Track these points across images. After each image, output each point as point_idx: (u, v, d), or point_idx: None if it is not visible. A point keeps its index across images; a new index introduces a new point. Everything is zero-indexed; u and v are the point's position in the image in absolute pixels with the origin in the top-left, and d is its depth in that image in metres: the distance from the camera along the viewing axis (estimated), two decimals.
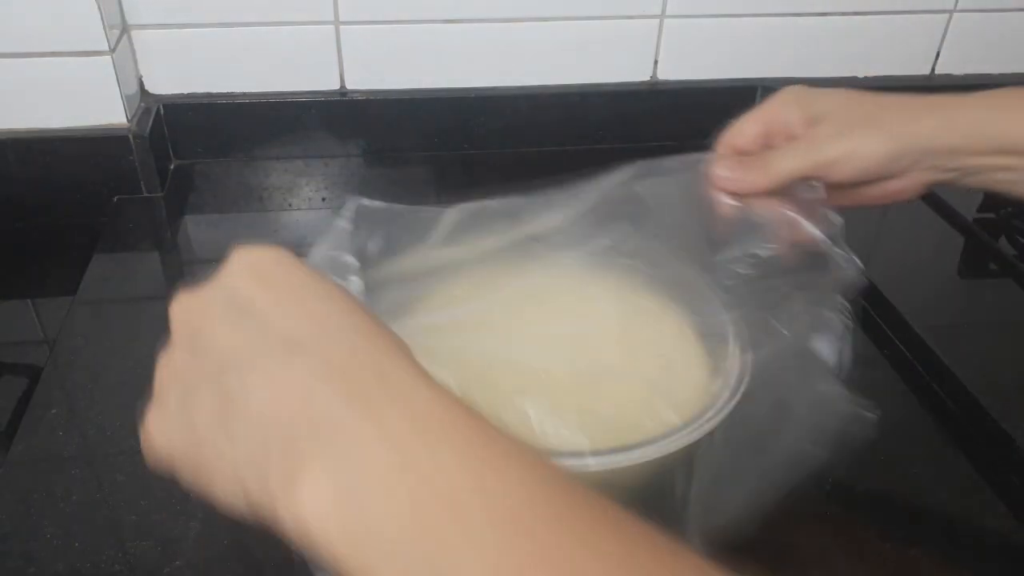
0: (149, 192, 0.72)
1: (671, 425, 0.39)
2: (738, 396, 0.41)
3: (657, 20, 0.79)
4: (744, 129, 0.46)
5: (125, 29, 0.71)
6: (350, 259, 0.41)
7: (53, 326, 0.58)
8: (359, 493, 0.21)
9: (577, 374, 0.43)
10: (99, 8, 0.64)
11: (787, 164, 0.43)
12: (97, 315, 0.59)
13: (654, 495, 0.46)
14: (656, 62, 0.81)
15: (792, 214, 0.43)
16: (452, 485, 0.21)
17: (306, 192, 0.75)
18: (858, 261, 0.43)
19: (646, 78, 0.82)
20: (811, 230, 0.43)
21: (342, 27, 0.74)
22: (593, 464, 0.36)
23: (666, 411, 0.41)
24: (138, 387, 0.53)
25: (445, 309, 0.48)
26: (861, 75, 0.86)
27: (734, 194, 0.44)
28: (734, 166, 0.44)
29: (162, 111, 0.74)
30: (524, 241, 0.48)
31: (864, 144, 0.42)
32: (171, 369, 0.27)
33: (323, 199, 0.74)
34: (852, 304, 0.44)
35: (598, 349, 0.45)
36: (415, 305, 0.47)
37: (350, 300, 0.26)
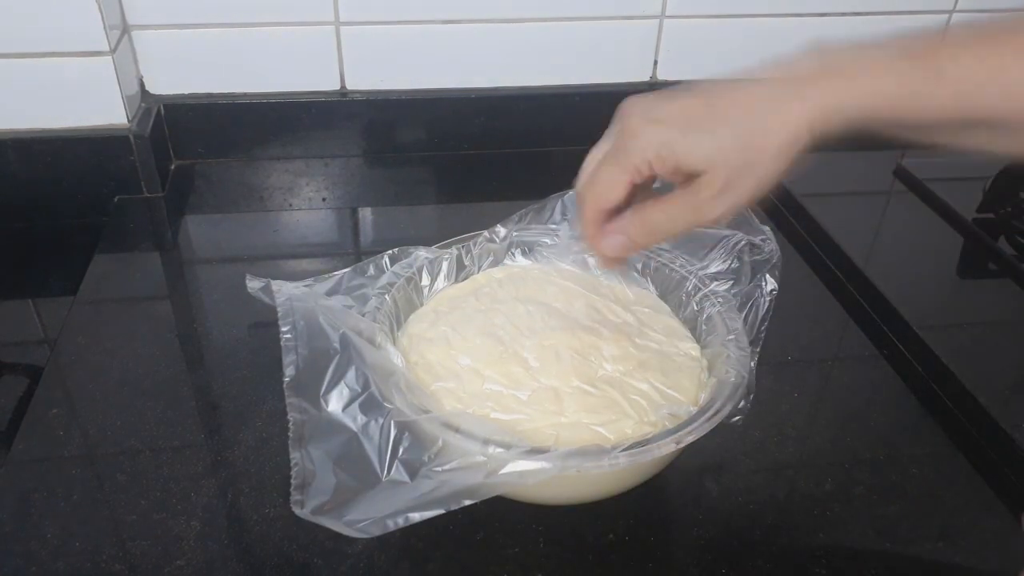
0: (150, 192, 0.73)
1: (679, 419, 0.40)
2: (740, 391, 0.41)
3: (657, 20, 0.79)
4: (613, 190, 0.39)
5: (126, 30, 0.71)
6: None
7: (54, 326, 0.58)
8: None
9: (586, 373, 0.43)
10: (100, 9, 0.64)
11: (670, 227, 0.39)
12: (98, 315, 0.59)
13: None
14: (656, 62, 0.82)
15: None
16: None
17: (307, 192, 0.75)
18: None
19: (646, 78, 0.82)
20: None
21: (342, 28, 0.74)
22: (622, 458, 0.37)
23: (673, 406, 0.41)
24: (138, 387, 0.53)
25: (456, 308, 0.49)
26: None
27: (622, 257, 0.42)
28: (616, 233, 0.40)
29: (163, 111, 0.74)
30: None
31: (753, 189, 0.37)
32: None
33: (323, 199, 0.74)
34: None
35: (599, 351, 0.45)
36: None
37: None
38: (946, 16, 0.83)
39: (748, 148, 0.36)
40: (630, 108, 0.39)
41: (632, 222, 0.40)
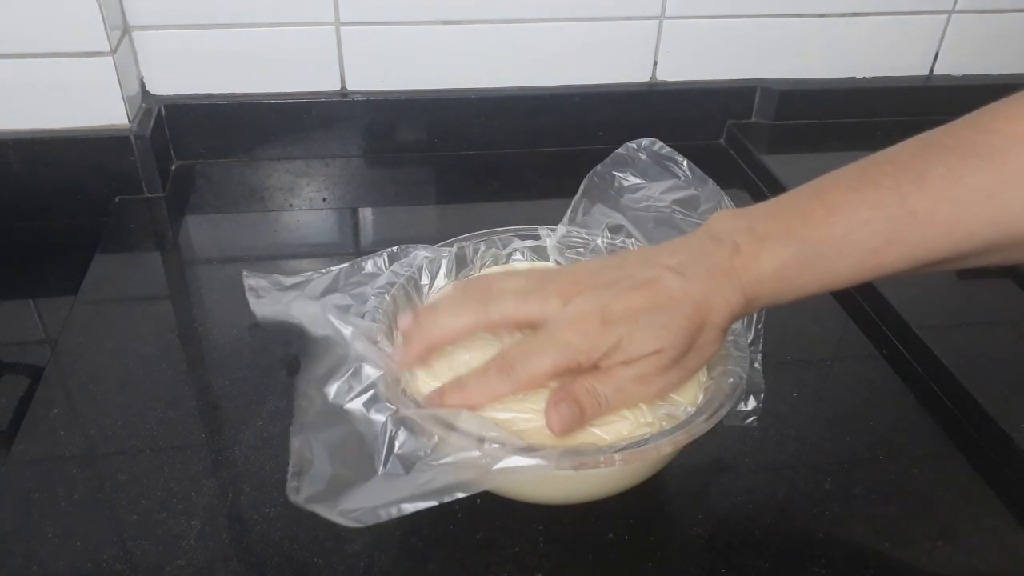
0: (150, 192, 0.73)
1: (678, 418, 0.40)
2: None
3: (657, 21, 0.79)
4: (542, 376, 0.39)
5: (126, 30, 0.71)
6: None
7: (55, 326, 0.58)
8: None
9: None
10: (100, 9, 0.64)
11: (620, 400, 0.40)
12: (98, 315, 0.59)
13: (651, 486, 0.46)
14: (656, 63, 0.82)
15: None
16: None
17: (307, 192, 0.75)
18: None
19: (646, 78, 0.83)
20: None
21: (342, 28, 0.74)
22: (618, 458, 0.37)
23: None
24: (139, 387, 0.53)
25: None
26: (859, 76, 0.86)
27: None
28: (568, 402, 0.38)
29: (163, 112, 0.74)
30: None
31: (695, 367, 0.41)
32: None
33: (324, 199, 0.74)
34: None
35: None
36: None
37: None
38: (945, 16, 0.83)
39: (695, 334, 0.38)
40: (572, 290, 0.39)
41: (582, 391, 0.38)
